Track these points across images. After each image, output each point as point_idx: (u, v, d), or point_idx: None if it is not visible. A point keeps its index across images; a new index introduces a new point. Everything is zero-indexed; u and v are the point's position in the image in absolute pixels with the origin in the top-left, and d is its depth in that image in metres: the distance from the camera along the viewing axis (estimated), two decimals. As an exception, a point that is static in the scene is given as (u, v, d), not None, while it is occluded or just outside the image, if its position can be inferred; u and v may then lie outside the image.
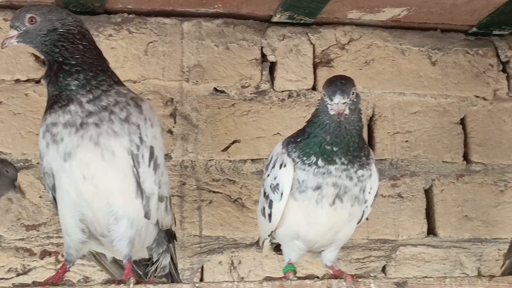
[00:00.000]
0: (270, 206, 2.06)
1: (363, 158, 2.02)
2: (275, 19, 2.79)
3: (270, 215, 2.07)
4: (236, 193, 2.73)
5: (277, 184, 2.03)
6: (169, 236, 2.17)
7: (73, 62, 1.98)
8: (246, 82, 2.79)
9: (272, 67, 2.84)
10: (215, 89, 2.78)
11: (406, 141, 2.87)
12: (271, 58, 2.83)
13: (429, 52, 2.93)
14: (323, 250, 2.12)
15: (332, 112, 1.95)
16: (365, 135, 2.80)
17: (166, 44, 2.75)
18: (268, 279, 2.01)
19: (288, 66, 2.83)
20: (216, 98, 2.77)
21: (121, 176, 1.97)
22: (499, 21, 2.84)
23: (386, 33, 2.91)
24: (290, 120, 2.77)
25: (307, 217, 2.02)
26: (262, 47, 2.82)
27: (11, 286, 1.98)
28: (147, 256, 2.18)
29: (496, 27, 2.90)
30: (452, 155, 2.89)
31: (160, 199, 2.05)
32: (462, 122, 2.93)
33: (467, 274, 2.79)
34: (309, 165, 2.00)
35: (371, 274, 2.06)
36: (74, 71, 1.97)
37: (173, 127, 2.72)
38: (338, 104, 1.94)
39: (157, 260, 2.19)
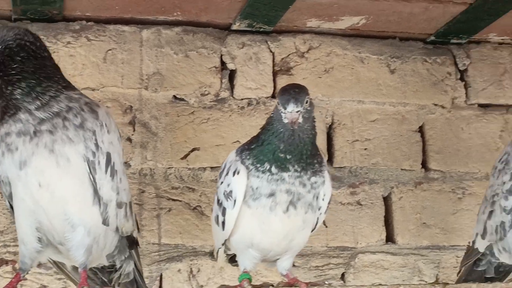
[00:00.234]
0: (224, 214, 2.05)
1: (316, 165, 2.03)
2: (234, 27, 2.79)
3: (223, 223, 2.06)
4: (195, 201, 2.72)
5: (231, 191, 2.02)
6: (131, 242, 2.16)
7: (13, 72, 1.97)
8: (205, 90, 2.79)
9: (232, 75, 2.83)
10: (175, 97, 2.77)
11: (365, 149, 2.87)
12: (230, 66, 2.82)
13: (388, 60, 2.94)
14: (278, 259, 2.11)
15: (286, 121, 1.96)
16: (324, 142, 2.83)
17: (125, 52, 2.74)
18: (224, 287, 2.01)
19: (248, 74, 2.83)
20: (175, 106, 2.77)
21: (77, 183, 1.96)
22: (456, 30, 2.86)
23: (345, 41, 2.91)
24: (250, 128, 2.76)
25: (261, 224, 2.02)
26: (221, 55, 2.82)
27: (-35, 296, 1.97)
28: (107, 264, 2.16)
29: (454, 35, 2.91)
30: (410, 163, 2.90)
31: (119, 205, 2.04)
32: (421, 130, 2.94)
33: (426, 282, 2.80)
34: (263, 172, 2.00)
35: (326, 283, 2.08)
36: (15, 80, 1.97)
37: (132, 135, 2.71)
38: (291, 112, 1.95)
39: (120, 267, 2.18)
